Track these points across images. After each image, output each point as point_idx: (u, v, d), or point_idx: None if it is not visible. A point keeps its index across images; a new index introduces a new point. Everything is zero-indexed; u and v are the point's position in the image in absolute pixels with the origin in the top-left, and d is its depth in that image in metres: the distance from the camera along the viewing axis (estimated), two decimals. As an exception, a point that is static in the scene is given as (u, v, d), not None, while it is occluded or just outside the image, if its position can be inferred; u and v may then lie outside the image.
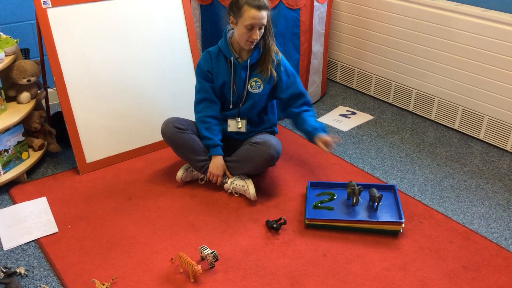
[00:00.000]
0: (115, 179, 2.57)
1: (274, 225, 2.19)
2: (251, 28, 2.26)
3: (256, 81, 2.45)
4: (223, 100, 2.52)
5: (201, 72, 2.47)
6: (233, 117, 2.53)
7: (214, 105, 2.49)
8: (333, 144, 2.43)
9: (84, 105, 2.61)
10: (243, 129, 2.53)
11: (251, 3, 2.23)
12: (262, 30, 2.32)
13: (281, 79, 2.46)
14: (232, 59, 2.40)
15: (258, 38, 2.31)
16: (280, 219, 2.23)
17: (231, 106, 2.51)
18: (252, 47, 2.36)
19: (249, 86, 2.46)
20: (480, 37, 2.83)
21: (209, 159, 2.46)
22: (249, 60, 2.40)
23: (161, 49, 2.83)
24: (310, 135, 2.47)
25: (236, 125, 2.53)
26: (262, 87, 2.46)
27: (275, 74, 2.44)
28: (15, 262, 2.03)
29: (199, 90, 2.50)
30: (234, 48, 2.41)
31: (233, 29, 2.38)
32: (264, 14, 2.26)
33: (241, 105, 2.50)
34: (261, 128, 2.59)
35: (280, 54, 2.48)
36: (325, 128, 2.47)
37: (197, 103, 2.51)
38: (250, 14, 2.23)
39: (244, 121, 2.53)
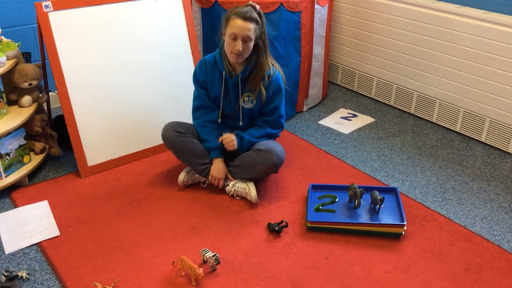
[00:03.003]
0: (116, 182, 2.57)
1: (276, 228, 2.19)
2: (234, 38, 2.23)
3: (248, 96, 2.43)
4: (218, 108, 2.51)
5: (196, 80, 2.48)
6: (229, 126, 2.52)
7: (212, 111, 2.49)
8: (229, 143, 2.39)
9: (85, 108, 2.61)
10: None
11: (238, 13, 2.23)
12: (250, 44, 2.26)
13: (268, 95, 2.42)
14: (224, 73, 2.38)
15: (242, 49, 2.24)
16: (281, 221, 2.23)
17: (228, 116, 2.51)
18: (239, 60, 2.31)
19: (241, 100, 2.44)
20: (481, 39, 2.83)
21: (210, 163, 2.46)
22: (240, 76, 2.38)
23: (162, 52, 2.83)
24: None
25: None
26: (254, 102, 2.44)
27: (264, 92, 2.40)
28: (17, 265, 2.03)
29: (196, 97, 2.50)
30: (228, 60, 2.38)
31: None
32: (250, 26, 2.22)
33: (234, 114, 2.48)
34: None
35: (277, 72, 2.41)
36: (248, 139, 2.43)
37: (195, 109, 2.52)
38: (234, 23, 2.22)
39: (239, 131, 2.51)
